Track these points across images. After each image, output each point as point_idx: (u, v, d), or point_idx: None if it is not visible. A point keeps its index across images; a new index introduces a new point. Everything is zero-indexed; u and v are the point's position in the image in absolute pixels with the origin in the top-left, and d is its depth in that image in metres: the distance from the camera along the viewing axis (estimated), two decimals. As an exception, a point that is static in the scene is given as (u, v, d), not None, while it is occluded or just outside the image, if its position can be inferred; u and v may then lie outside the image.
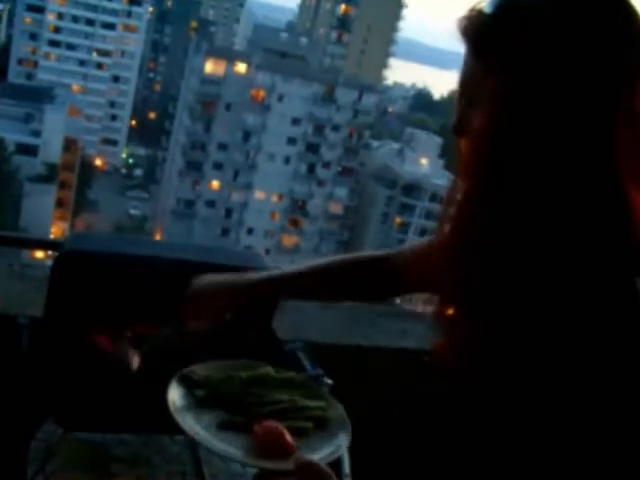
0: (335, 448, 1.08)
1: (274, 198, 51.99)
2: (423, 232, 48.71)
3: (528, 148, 0.87)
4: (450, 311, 0.97)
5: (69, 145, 45.94)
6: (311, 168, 51.92)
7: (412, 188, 49.26)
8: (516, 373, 0.88)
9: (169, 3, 76.80)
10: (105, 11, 62.97)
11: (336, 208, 52.25)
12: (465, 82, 0.95)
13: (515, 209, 0.88)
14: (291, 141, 51.41)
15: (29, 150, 43.18)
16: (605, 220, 0.87)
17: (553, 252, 0.87)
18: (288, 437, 1.04)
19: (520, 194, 0.87)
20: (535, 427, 0.85)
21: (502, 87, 0.87)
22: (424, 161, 50.28)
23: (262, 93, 50.56)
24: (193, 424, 1.07)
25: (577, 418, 0.83)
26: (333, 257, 1.39)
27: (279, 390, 1.19)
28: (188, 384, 1.18)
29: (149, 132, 67.47)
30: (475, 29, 0.91)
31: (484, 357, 0.92)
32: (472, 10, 0.92)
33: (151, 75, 77.18)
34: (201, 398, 1.15)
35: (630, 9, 0.88)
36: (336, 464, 1.23)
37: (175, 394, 1.14)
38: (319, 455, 1.03)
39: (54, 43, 61.75)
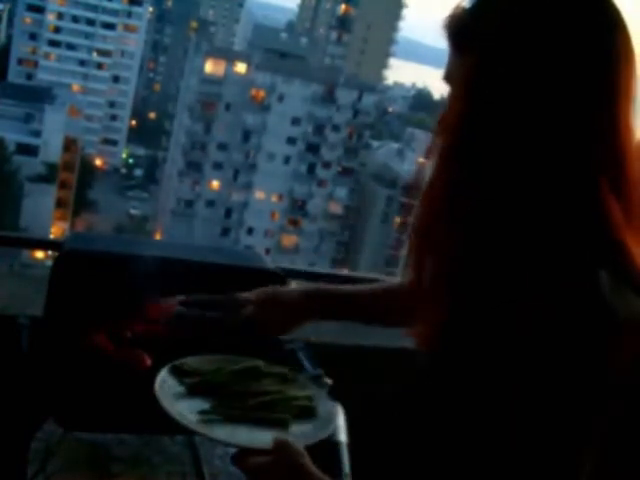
0: (316, 433, 1.10)
1: (274, 198, 51.99)
2: (423, 232, 48.66)
3: (496, 135, 0.90)
4: (426, 298, 1.00)
5: (69, 145, 45.94)
6: (311, 168, 51.91)
7: (412, 188, 49.20)
8: (482, 358, 0.89)
9: (169, 3, 76.80)
10: (105, 11, 62.95)
11: (336, 208, 52.25)
12: (447, 76, 1.00)
13: (484, 198, 0.92)
14: (291, 141, 51.41)
15: (29, 150, 43.18)
16: (577, 211, 0.89)
17: (522, 240, 0.90)
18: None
19: (489, 183, 0.91)
20: (499, 412, 0.86)
21: (472, 73, 0.92)
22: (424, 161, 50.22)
23: (262, 93, 50.57)
24: (179, 409, 1.09)
25: (532, 399, 0.84)
26: (366, 286, 1.45)
27: (267, 381, 1.21)
28: (178, 374, 1.19)
29: (149, 132, 67.45)
30: (453, 22, 0.97)
31: (454, 342, 0.94)
32: (455, 8, 0.97)
33: (151, 75, 77.19)
34: (189, 386, 1.16)
35: None
36: (336, 464, 1.23)
37: (163, 381, 1.15)
38: (300, 437, 1.05)
39: (54, 43, 61.74)
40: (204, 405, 1.12)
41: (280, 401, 1.16)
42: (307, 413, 1.15)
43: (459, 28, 0.96)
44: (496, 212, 0.92)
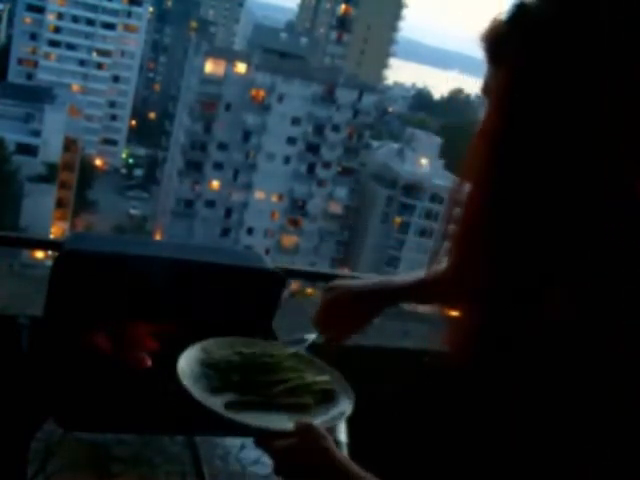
0: (337, 414, 1.17)
1: (274, 198, 51.97)
2: (423, 232, 48.75)
3: (533, 146, 0.91)
4: (459, 309, 1.01)
5: (69, 145, 45.90)
6: (311, 168, 51.88)
7: (412, 188, 49.26)
8: (514, 364, 0.90)
9: (169, 3, 76.69)
10: (105, 11, 62.90)
11: (336, 208, 52.22)
12: (484, 89, 1.01)
13: (522, 209, 0.92)
14: (291, 141, 51.37)
15: (29, 150, 43.16)
16: (612, 222, 0.89)
17: (559, 252, 0.90)
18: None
19: (527, 194, 0.92)
20: (533, 425, 0.86)
21: (507, 84, 0.93)
22: (424, 161, 50.28)
23: (262, 93, 50.53)
24: (204, 397, 1.13)
25: (575, 415, 0.84)
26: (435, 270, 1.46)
27: (287, 368, 1.26)
28: (199, 360, 1.23)
29: (149, 132, 67.41)
30: (489, 34, 0.98)
31: (488, 353, 0.94)
32: (493, 20, 0.98)
33: (151, 75, 77.10)
34: (214, 387, 1.19)
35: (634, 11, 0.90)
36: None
37: (188, 370, 1.19)
38: (320, 420, 1.11)
39: (54, 43, 61.69)
40: (229, 397, 1.16)
41: (302, 386, 1.21)
42: (327, 397, 1.21)
43: (495, 39, 0.96)
44: (533, 221, 0.92)
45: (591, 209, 0.89)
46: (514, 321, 0.92)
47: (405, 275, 1.48)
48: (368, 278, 1.52)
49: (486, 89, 1.00)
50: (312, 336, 1.40)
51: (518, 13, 0.94)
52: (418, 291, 1.43)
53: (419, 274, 1.45)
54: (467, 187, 0.99)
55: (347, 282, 1.48)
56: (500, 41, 0.96)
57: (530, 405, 0.87)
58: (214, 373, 1.22)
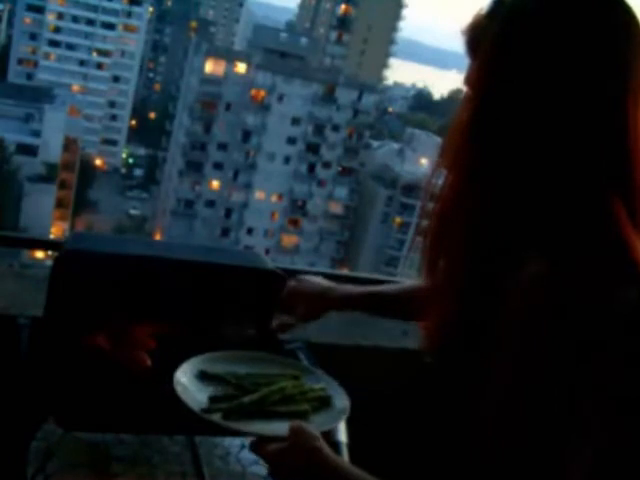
0: (333, 417, 1.18)
1: (274, 198, 51.96)
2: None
3: (502, 138, 0.93)
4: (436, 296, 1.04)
5: (69, 145, 45.91)
6: (311, 168, 51.87)
7: (412, 188, 49.22)
8: (485, 355, 0.90)
9: (169, 3, 76.76)
10: (105, 11, 62.93)
11: (336, 208, 52.21)
12: (465, 80, 1.02)
13: (492, 201, 0.94)
14: (291, 141, 51.36)
15: (29, 150, 43.15)
16: (584, 220, 0.90)
17: (528, 246, 0.90)
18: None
19: (495, 186, 0.94)
20: (526, 423, 0.85)
21: (480, 74, 0.97)
22: (424, 161, 50.24)
23: (262, 93, 50.52)
24: (200, 404, 1.14)
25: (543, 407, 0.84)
26: (405, 282, 1.53)
27: (283, 377, 1.27)
28: (197, 373, 1.23)
29: (149, 132, 67.40)
30: (468, 27, 1.01)
31: (458, 337, 0.97)
32: (474, 16, 1.01)
33: (151, 75, 77.14)
34: (211, 397, 1.19)
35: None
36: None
37: (185, 383, 1.19)
38: (316, 423, 1.12)
39: (54, 43, 61.72)
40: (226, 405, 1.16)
41: (298, 394, 1.22)
42: (324, 403, 1.22)
43: (474, 32, 1.00)
44: (502, 215, 0.93)
45: (561, 212, 0.90)
46: (490, 313, 0.91)
47: (368, 287, 1.56)
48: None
49: (467, 81, 1.02)
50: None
51: (496, 7, 0.98)
52: (369, 302, 1.52)
53: (379, 287, 1.53)
54: (441, 179, 1.01)
55: (312, 278, 1.57)
56: (478, 34, 0.99)
57: (521, 404, 0.86)
58: (211, 384, 1.21)
